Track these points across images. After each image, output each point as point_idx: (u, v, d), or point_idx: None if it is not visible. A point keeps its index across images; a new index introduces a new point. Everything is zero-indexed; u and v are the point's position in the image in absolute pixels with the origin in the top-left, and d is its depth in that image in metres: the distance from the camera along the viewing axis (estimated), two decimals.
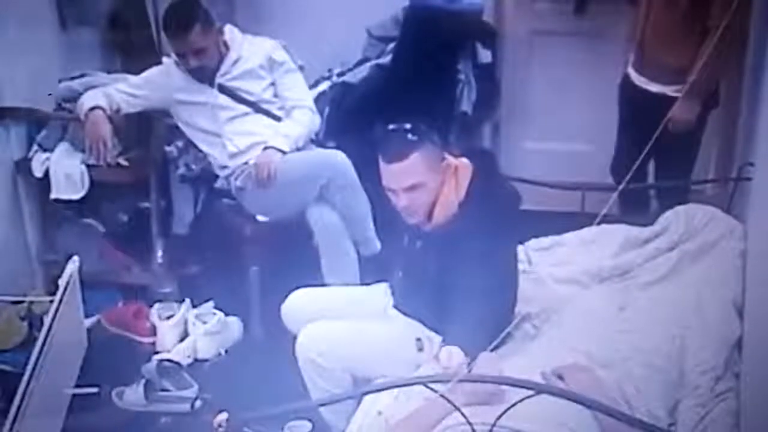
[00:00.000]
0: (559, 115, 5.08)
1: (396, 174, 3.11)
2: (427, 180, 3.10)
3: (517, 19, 5.19)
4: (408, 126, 3.12)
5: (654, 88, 4.18)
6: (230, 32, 4.30)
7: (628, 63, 4.32)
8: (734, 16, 3.73)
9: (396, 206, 3.20)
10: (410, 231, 3.31)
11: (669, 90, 4.08)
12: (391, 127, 3.16)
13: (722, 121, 4.84)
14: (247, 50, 4.28)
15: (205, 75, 4.19)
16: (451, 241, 3.07)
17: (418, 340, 3.17)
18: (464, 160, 3.22)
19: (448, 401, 2.37)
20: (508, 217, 3.21)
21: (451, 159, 3.19)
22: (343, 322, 3.34)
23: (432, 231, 3.18)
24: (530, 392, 2.26)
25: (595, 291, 3.53)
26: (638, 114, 4.24)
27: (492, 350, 2.89)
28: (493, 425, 2.28)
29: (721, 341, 3.04)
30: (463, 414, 2.33)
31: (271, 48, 4.34)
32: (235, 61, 4.24)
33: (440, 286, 3.08)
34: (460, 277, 2.97)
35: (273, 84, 4.34)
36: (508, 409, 2.27)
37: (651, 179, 4.33)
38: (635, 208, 3.99)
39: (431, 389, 2.37)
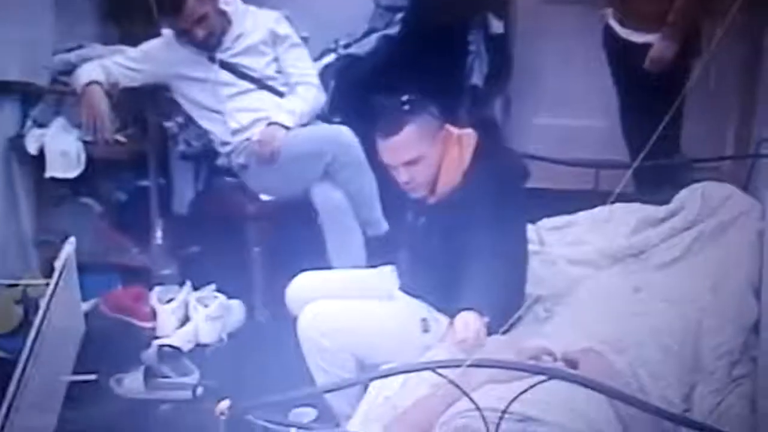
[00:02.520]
0: (571, 89, 5.09)
1: (393, 149, 3.16)
2: (425, 153, 3.13)
3: None
4: (401, 98, 3.15)
5: (637, 38, 4.23)
6: (233, 3, 4.31)
7: (608, 16, 4.37)
8: None
9: (397, 181, 3.23)
10: (414, 206, 3.33)
11: (652, 38, 4.15)
12: (384, 100, 3.21)
13: (740, 97, 4.86)
14: (249, 24, 4.29)
15: (210, 45, 4.20)
16: (456, 212, 3.09)
17: (424, 320, 3.20)
18: (467, 130, 3.24)
19: (457, 387, 2.37)
20: (515, 188, 3.23)
21: (453, 129, 3.22)
22: (347, 301, 3.36)
23: (436, 204, 3.22)
24: (542, 377, 2.28)
25: (609, 272, 3.56)
26: (628, 67, 4.31)
27: (503, 333, 2.94)
28: (504, 411, 2.29)
29: (738, 324, 3.06)
30: (472, 400, 2.33)
31: (274, 21, 4.35)
32: (238, 37, 4.26)
33: (446, 261, 3.10)
34: (465, 250, 2.97)
35: (276, 59, 4.35)
36: (520, 394, 2.27)
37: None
38: (651, 185, 4.00)
39: (440, 374, 2.36)
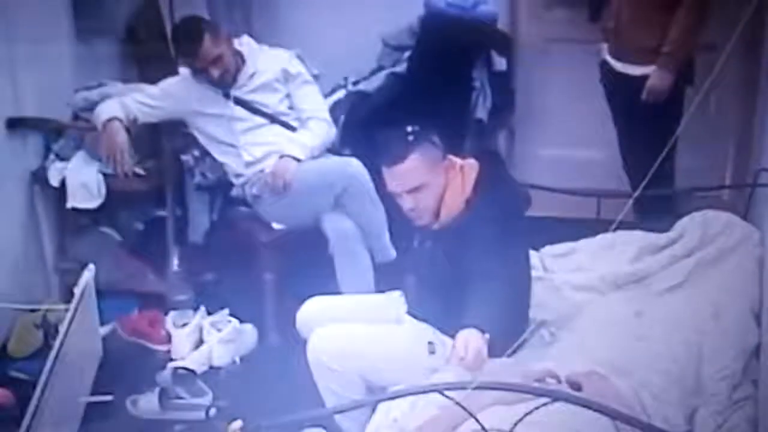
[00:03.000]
0: (573, 122, 5.06)
1: (397, 177, 3.15)
2: (429, 180, 3.12)
3: (532, 27, 5.17)
4: (405, 128, 3.14)
5: (633, 71, 4.19)
6: (247, 44, 4.33)
7: (603, 51, 4.34)
8: None
9: (402, 209, 3.21)
10: (419, 233, 3.32)
11: (647, 70, 4.11)
12: (389, 131, 3.19)
13: (739, 126, 4.83)
14: (262, 63, 4.30)
15: (225, 83, 4.20)
16: (459, 239, 3.06)
17: (430, 343, 3.15)
18: (470, 159, 3.23)
19: (464, 408, 2.33)
20: (516, 215, 3.21)
21: (456, 159, 3.21)
22: (355, 325, 3.32)
23: (440, 230, 3.19)
24: (546, 399, 2.23)
25: (611, 298, 3.50)
26: (625, 100, 4.27)
27: (508, 356, 2.91)
28: None
29: (739, 348, 3.01)
30: (478, 421, 2.30)
31: (287, 60, 4.35)
32: (252, 75, 4.26)
33: (451, 286, 3.07)
34: (469, 275, 2.93)
35: (288, 96, 4.35)
36: (525, 416, 2.24)
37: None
38: (651, 214, 3.94)
39: (446, 396, 2.33)
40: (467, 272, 2.94)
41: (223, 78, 4.17)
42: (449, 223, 3.15)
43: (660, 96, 4.05)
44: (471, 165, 3.20)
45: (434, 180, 3.13)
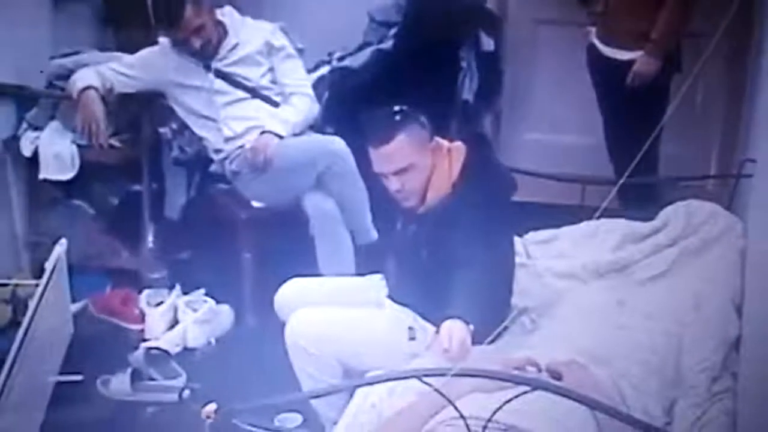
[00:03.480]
0: (560, 107, 5.11)
1: (384, 157, 3.17)
2: (416, 161, 3.14)
3: (521, 8, 5.20)
4: (392, 108, 3.17)
5: (620, 55, 4.25)
6: (229, 15, 4.32)
7: (591, 35, 4.39)
8: None
9: (388, 190, 3.23)
10: (404, 216, 3.33)
11: (635, 56, 4.17)
12: (376, 111, 3.21)
13: (724, 117, 4.89)
14: (245, 35, 4.30)
15: (207, 54, 4.20)
16: (444, 222, 3.08)
17: (411, 328, 3.17)
18: (458, 143, 3.25)
19: (442, 395, 2.36)
20: (502, 200, 3.24)
21: (443, 142, 3.23)
22: (334, 308, 3.34)
23: (425, 213, 3.22)
24: (526, 388, 2.27)
25: (593, 286, 3.54)
26: (611, 85, 4.32)
27: (489, 343, 2.89)
28: (488, 420, 2.28)
29: (719, 340, 3.04)
30: (456, 408, 2.32)
31: (270, 33, 4.35)
32: (233, 47, 4.26)
33: (433, 271, 3.09)
34: (453, 260, 2.96)
35: (271, 69, 4.36)
36: (504, 404, 2.26)
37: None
38: (635, 202, 4.00)
39: (425, 383, 2.35)
40: (451, 257, 2.97)
41: (204, 49, 4.17)
42: (435, 207, 3.17)
43: (645, 81, 4.11)
44: (458, 148, 3.23)
45: (421, 161, 3.15)
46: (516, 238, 3.57)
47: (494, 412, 2.27)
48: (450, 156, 3.20)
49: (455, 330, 2.75)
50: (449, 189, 3.16)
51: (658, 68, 4.11)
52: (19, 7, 4.30)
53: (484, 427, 2.28)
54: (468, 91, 4.86)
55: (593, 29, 4.38)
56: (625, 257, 3.62)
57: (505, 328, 3.09)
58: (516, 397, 2.26)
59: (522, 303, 3.31)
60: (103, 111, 4.19)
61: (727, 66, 4.68)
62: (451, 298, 2.90)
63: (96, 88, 4.18)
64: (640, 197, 4.00)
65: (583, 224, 3.80)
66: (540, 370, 2.68)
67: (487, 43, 4.91)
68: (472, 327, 2.77)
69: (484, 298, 2.90)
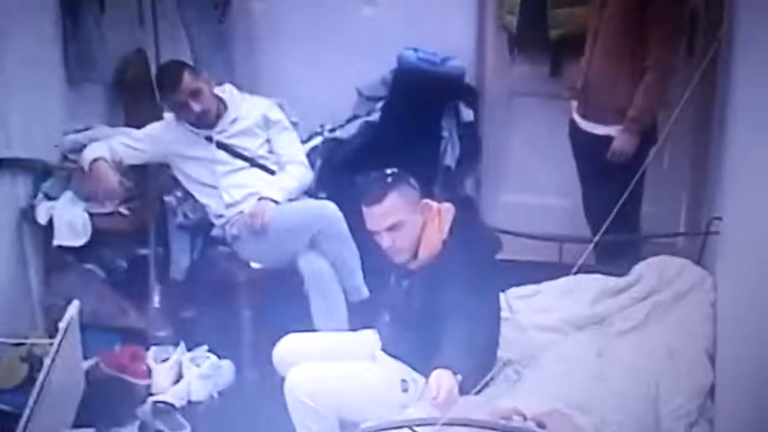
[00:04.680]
0: (536, 171, 5.05)
1: (376, 215, 3.16)
2: (406, 219, 3.14)
3: (497, 82, 5.15)
4: (384, 171, 3.19)
5: (598, 130, 4.17)
6: (230, 91, 4.34)
7: (573, 110, 4.32)
8: (670, 55, 3.96)
9: (381, 247, 3.21)
10: (396, 272, 3.31)
11: (612, 130, 4.08)
12: (369, 173, 3.23)
13: (691, 176, 4.83)
14: (244, 109, 4.29)
15: (205, 123, 4.19)
16: (435, 278, 3.07)
17: (403, 381, 3.13)
18: (447, 204, 3.24)
19: None
20: (489, 257, 3.22)
21: (433, 203, 3.22)
22: (330, 363, 3.29)
23: (417, 270, 3.19)
24: None
25: (573, 338, 3.47)
26: (589, 157, 4.25)
27: (476, 393, 2.89)
28: None
29: (695, 388, 3.00)
30: None
31: (267, 107, 4.35)
32: (233, 120, 4.25)
33: (426, 324, 3.04)
34: (443, 313, 2.93)
35: (268, 141, 4.34)
36: None
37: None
38: (610, 258, 3.94)
39: None
40: (441, 311, 2.94)
41: (204, 117, 4.17)
42: (427, 263, 3.16)
43: (625, 158, 4.01)
44: (447, 208, 3.22)
45: (411, 219, 3.15)
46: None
47: None
48: (440, 215, 3.19)
49: (443, 379, 2.69)
50: (440, 246, 3.15)
51: (637, 144, 4.01)
52: (35, 88, 4.27)
53: None
54: (450, 158, 4.84)
55: (574, 104, 4.30)
56: (603, 311, 3.56)
57: (492, 378, 3.05)
58: None
59: (506, 355, 3.25)
60: (117, 177, 4.17)
61: (692, 131, 4.64)
62: (440, 348, 2.86)
63: (105, 160, 4.16)
64: (614, 254, 3.93)
65: (563, 280, 3.73)
66: (525, 419, 2.64)
67: (467, 114, 4.90)
68: (459, 377, 2.70)
69: (473, 350, 2.87)
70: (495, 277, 3.27)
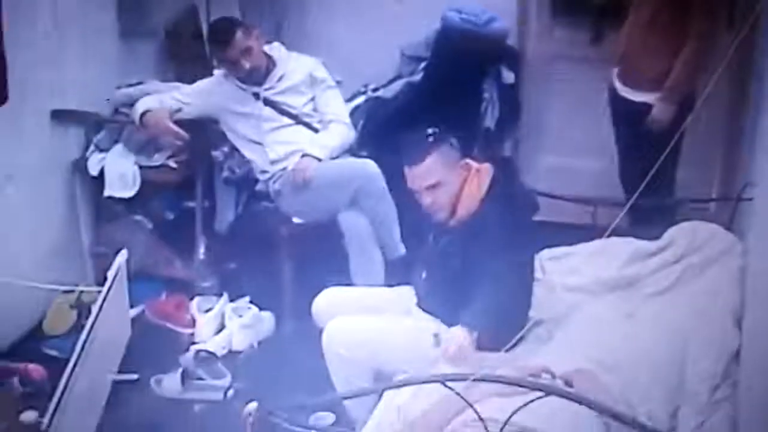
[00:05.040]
0: (573, 134, 5.04)
1: (417, 175, 3.17)
2: (446, 179, 3.15)
3: (539, 45, 5.14)
4: (425, 131, 3.18)
5: (637, 97, 4.13)
6: (278, 49, 4.34)
7: (613, 76, 4.26)
8: (711, 26, 3.90)
9: (422, 205, 3.23)
10: (435, 229, 3.31)
11: (650, 98, 4.05)
12: (411, 134, 3.23)
13: (726, 143, 4.80)
14: (291, 67, 4.29)
15: (254, 80, 4.19)
16: (474, 234, 3.08)
17: (436, 335, 3.12)
18: (486, 164, 3.23)
19: (463, 399, 2.32)
20: (526, 218, 3.22)
21: (473, 162, 3.22)
22: (367, 317, 3.31)
23: (456, 226, 3.19)
24: (540, 393, 2.22)
25: (603, 300, 3.44)
26: (627, 123, 4.22)
27: (507, 351, 2.92)
28: (505, 423, 2.24)
29: (721, 351, 2.97)
30: (476, 411, 2.29)
31: (313, 66, 4.34)
32: (280, 78, 4.25)
33: (461, 281, 3.06)
34: (479, 271, 2.96)
35: (313, 99, 4.33)
36: (520, 408, 2.23)
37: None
38: (643, 222, 3.90)
39: (448, 387, 2.32)
40: (477, 269, 2.97)
41: (253, 74, 4.17)
42: (465, 222, 3.16)
43: (662, 126, 3.97)
44: (486, 168, 3.21)
45: (451, 179, 3.15)
46: None
47: (511, 415, 2.24)
48: (479, 175, 3.19)
49: (457, 336, 2.85)
50: (478, 205, 3.15)
51: (675, 113, 3.97)
52: (89, 43, 4.32)
53: (502, 429, 2.25)
54: (490, 119, 4.82)
55: (615, 70, 4.25)
56: (633, 273, 3.52)
57: (522, 337, 3.03)
58: (531, 401, 2.22)
59: (537, 315, 3.23)
60: (169, 120, 4.20)
61: (728, 99, 4.58)
62: (472, 305, 2.93)
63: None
64: (647, 218, 3.89)
65: (595, 242, 3.69)
66: (553, 377, 2.61)
67: (508, 76, 4.88)
68: (476, 335, 2.84)
69: (504, 309, 2.94)
70: (531, 237, 3.26)
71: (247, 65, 4.14)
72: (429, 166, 3.14)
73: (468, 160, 3.22)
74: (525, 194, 3.32)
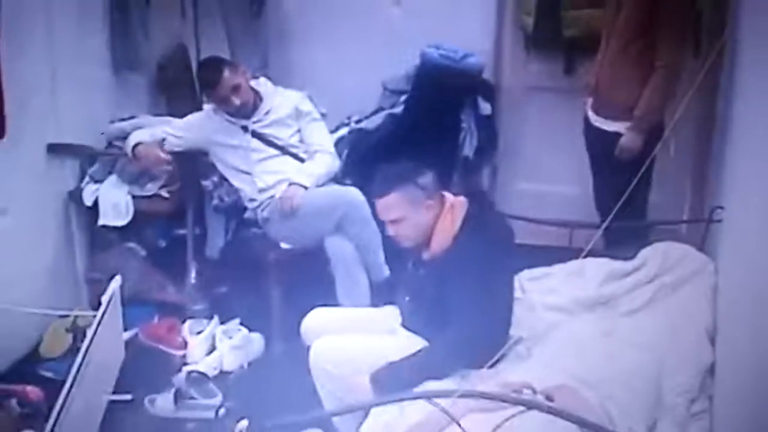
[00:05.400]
0: (550, 161, 5.03)
1: (380, 208, 3.18)
2: (408, 215, 3.09)
3: (514, 77, 5.14)
4: (391, 169, 3.15)
5: (609, 126, 4.08)
6: (264, 85, 4.32)
7: (587, 106, 4.24)
8: (678, 55, 3.86)
9: None
10: (414, 259, 3.26)
11: (621, 127, 4.00)
12: (381, 168, 3.20)
13: (695, 168, 4.80)
14: (277, 101, 4.27)
15: (242, 114, 4.17)
16: (448, 270, 3.02)
17: None
18: (461, 198, 3.17)
19: (448, 414, 2.28)
20: (500, 249, 3.12)
21: (449, 196, 3.16)
22: (353, 335, 3.27)
23: (431, 260, 3.14)
24: (522, 408, 2.20)
25: (581, 318, 3.40)
26: (600, 151, 4.18)
27: (489, 368, 2.88)
28: None
29: (696, 366, 2.94)
30: (460, 426, 2.25)
31: (299, 99, 4.33)
32: (267, 111, 4.23)
33: (441, 307, 3.02)
34: (457, 299, 2.93)
35: (299, 130, 4.31)
36: (503, 422, 2.19)
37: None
38: (617, 243, 3.88)
39: (433, 403, 2.28)
40: (455, 298, 2.94)
41: (242, 108, 4.14)
42: (440, 256, 3.10)
43: (632, 154, 3.93)
44: (460, 203, 3.15)
45: (414, 216, 3.09)
46: None
47: (494, 430, 2.20)
48: (452, 211, 3.12)
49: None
50: (451, 241, 3.08)
51: (643, 141, 3.93)
52: (83, 80, 4.30)
53: None
54: (469, 149, 4.81)
55: (589, 101, 4.22)
56: (610, 292, 3.49)
57: (503, 355, 2.99)
58: (513, 416, 2.19)
59: (517, 333, 3.17)
60: (159, 152, 4.18)
61: (696, 126, 4.59)
62: (455, 328, 2.92)
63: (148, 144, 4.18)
64: (621, 239, 3.87)
65: (572, 263, 3.67)
66: (535, 393, 2.58)
67: (485, 108, 4.86)
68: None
69: (484, 332, 2.92)
70: (507, 265, 3.18)
71: (236, 102, 4.11)
72: (391, 202, 3.10)
73: (444, 194, 3.16)
74: (499, 225, 3.25)
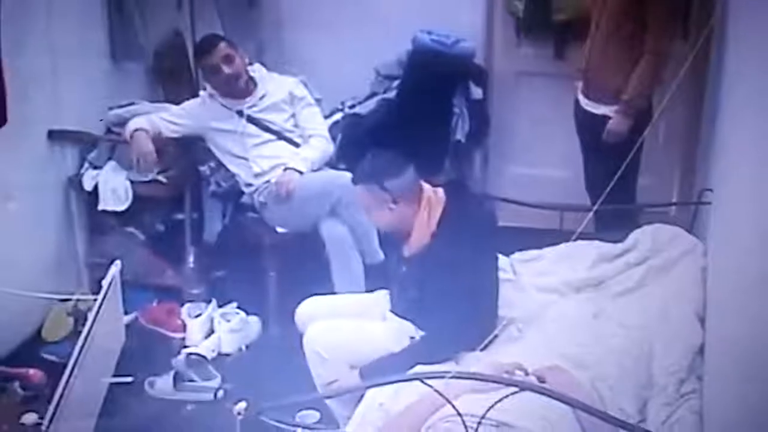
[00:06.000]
0: (540, 145, 5.00)
1: (356, 193, 3.20)
2: (372, 209, 3.12)
3: (505, 62, 5.10)
4: (370, 161, 3.12)
5: (598, 110, 4.06)
6: (259, 70, 4.29)
7: (578, 90, 4.20)
8: (666, 39, 3.84)
9: None
10: (397, 255, 3.23)
11: (610, 111, 3.98)
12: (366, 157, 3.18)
13: (684, 151, 4.77)
14: (272, 87, 4.24)
15: (236, 92, 4.13)
16: (427, 268, 3.01)
17: (412, 338, 3.09)
18: (439, 192, 3.12)
19: (441, 395, 2.26)
20: (481, 240, 3.08)
21: (427, 190, 3.11)
22: (345, 320, 3.25)
23: (411, 257, 3.12)
24: (514, 389, 2.18)
25: (572, 299, 3.38)
26: (590, 135, 4.15)
27: (481, 350, 2.86)
28: (482, 417, 2.19)
29: (685, 347, 2.90)
30: (454, 407, 2.23)
31: (293, 85, 4.30)
32: (262, 96, 4.20)
33: (427, 298, 3.02)
34: (439, 298, 2.93)
35: (294, 116, 4.28)
36: (496, 403, 2.17)
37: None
38: (607, 226, 3.85)
39: (427, 384, 2.27)
40: (440, 289, 2.92)
41: (233, 82, 4.10)
42: (419, 253, 3.07)
43: (619, 138, 3.90)
44: (438, 199, 3.09)
45: (377, 212, 3.10)
46: (503, 257, 3.46)
47: (487, 410, 2.19)
48: (429, 207, 3.07)
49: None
50: (429, 238, 3.05)
51: (630, 126, 3.90)
52: (83, 68, 4.29)
53: (478, 424, 2.21)
54: (460, 133, 4.76)
55: (580, 84, 4.18)
56: (600, 274, 3.46)
57: (495, 336, 2.97)
58: (506, 397, 2.17)
59: (509, 314, 3.14)
60: (152, 148, 4.13)
61: (685, 109, 4.56)
62: (444, 316, 2.90)
63: (146, 131, 4.14)
64: (611, 222, 3.84)
65: (563, 245, 3.62)
66: (527, 374, 2.56)
67: (476, 92, 4.82)
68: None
69: (471, 317, 2.91)
70: (490, 255, 3.17)
71: (227, 70, 4.07)
72: (358, 191, 3.15)
73: (424, 186, 3.11)
74: (480, 216, 3.22)
